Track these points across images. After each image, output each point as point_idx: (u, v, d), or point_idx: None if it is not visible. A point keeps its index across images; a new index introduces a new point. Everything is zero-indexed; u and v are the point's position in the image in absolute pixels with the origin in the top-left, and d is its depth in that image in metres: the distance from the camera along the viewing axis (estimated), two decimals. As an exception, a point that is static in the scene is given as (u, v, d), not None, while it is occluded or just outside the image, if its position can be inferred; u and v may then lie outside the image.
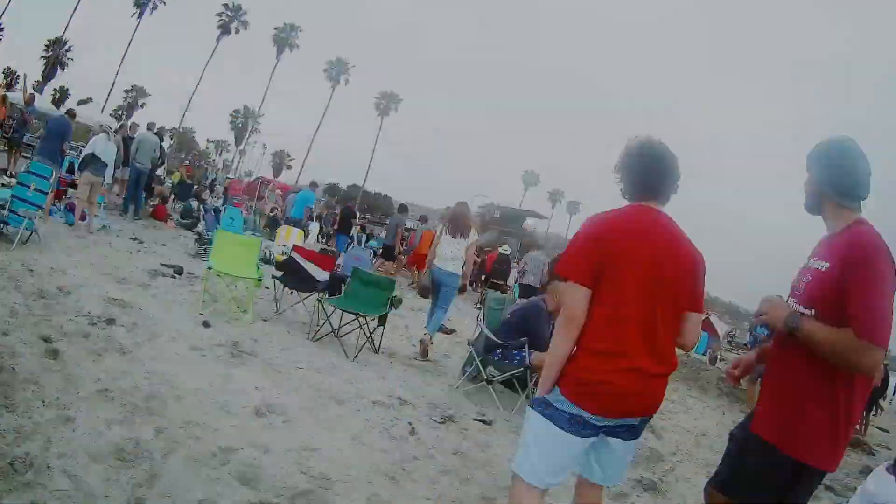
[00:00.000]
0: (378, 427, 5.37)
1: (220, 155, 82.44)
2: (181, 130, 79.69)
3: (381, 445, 4.99)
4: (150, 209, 16.93)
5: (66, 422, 3.84)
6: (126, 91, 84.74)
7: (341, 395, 5.95)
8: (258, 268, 8.84)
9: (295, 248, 11.41)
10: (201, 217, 17.30)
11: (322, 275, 9.15)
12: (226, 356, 6.20)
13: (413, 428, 5.55)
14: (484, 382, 7.33)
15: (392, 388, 6.68)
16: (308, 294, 9.04)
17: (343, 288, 8.68)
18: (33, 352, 4.79)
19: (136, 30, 73.03)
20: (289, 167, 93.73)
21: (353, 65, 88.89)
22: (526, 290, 15.30)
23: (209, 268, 7.99)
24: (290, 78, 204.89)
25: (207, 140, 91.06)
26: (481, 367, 7.40)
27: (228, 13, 79.97)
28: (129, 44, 73.17)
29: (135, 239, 11.95)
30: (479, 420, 6.39)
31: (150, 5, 73.94)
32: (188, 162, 36.97)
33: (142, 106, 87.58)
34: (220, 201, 24.20)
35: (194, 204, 18.48)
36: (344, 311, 8.07)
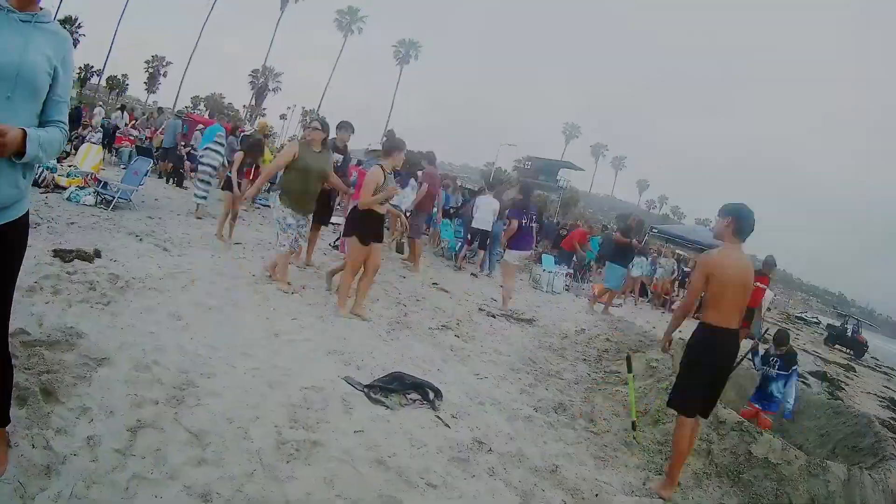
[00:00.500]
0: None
1: (255, 119, 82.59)
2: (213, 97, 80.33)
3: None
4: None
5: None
6: (147, 62, 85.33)
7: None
8: None
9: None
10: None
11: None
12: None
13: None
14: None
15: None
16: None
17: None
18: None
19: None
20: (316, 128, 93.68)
21: (365, 14, 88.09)
22: (478, 234, 14.79)
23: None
24: (317, 34, 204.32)
25: (244, 106, 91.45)
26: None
27: None
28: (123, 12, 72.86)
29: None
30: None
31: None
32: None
33: (164, 76, 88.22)
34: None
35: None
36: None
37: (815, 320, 55.20)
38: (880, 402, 16.07)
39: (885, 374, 26.25)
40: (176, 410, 3.68)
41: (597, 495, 4.41)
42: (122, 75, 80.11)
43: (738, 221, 4.82)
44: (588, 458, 5.07)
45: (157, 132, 21.73)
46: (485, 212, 14.36)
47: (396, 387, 5.03)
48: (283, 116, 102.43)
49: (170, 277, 6.57)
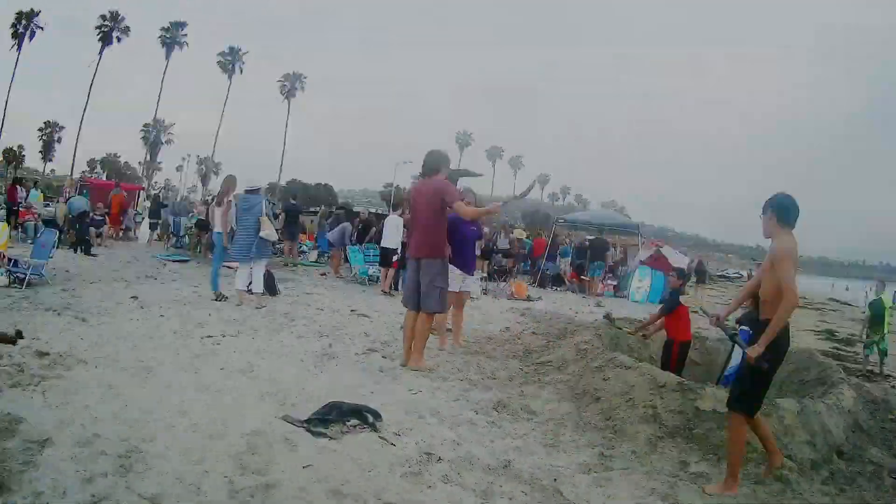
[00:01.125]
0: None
1: (152, 174, 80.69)
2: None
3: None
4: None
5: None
6: (40, 129, 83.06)
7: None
8: None
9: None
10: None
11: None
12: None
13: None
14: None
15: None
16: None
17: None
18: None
19: (17, 61, 70.62)
20: (215, 172, 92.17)
21: (246, 51, 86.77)
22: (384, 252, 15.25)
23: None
24: (202, 81, 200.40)
25: (139, 163, 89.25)
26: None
27: (107, 23, 77.14)
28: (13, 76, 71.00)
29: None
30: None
31: (28, 33, 71.03)
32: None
33: (59, 141, 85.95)
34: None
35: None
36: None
37: (737, 275, 56.65)
38: (817, 335, 16.95)
39: (818, 309, 27.18)
40: (126, 479, 3.62)
41: (555, 479, 4.52)
42: (18, 146, 77.68)
43: (781, 212, 4.67)
44: (538, 447, 5.17)
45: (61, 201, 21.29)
46: (390, 230, 14.86)
47: (335, 416, 5.05)
48: (179, 168, 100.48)
49: (94, 348, 6.47)
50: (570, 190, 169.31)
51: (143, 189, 29.02)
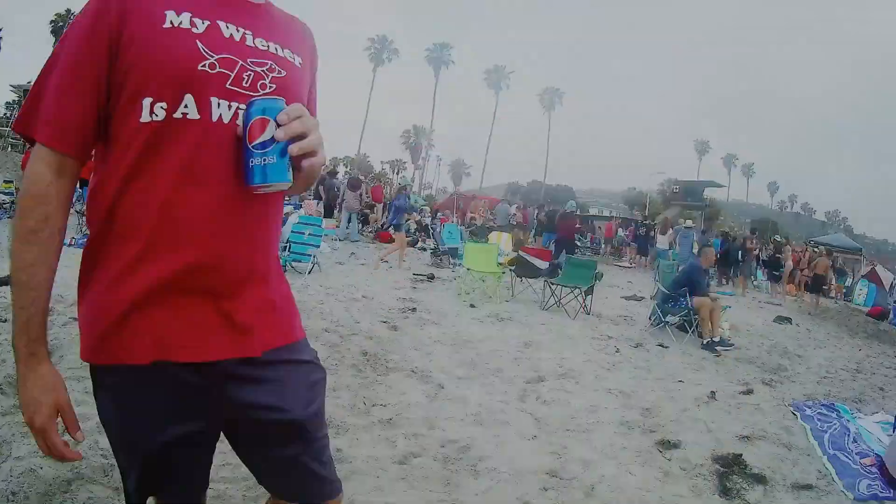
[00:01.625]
0: (597, 348, 7.90)
1: (396, 174, 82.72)
2: (358, 156, 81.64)
3: (599, 357, 7.41)
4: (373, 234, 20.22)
5: (427, 356, 6.36)
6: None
7: (574, 336, 8.46)
8: (498, 265, 11.60)
9: (522, 248, 14.43)
10: (430, 234, 19.85)
11: (543, 264, 12.24)
12: (494, 321, 8.75)
13: (617, 349, 8.00)
14: (663, 324, 9.39)
15: (602, 332, 9.01)
16: (534, 278, 11.74)
17: (559, 271, 11.65)
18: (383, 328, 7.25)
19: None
20: (467, 174, 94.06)
21: (511, 70, 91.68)
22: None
23: (467, 268, 10.93)
24: (453, 93, 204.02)
25: (381, 162, 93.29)
26: (660, 314, 9.42)
27: (376, 46, 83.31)
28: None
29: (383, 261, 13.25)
30: (659, 346, 8.54)
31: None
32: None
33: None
34: (429, 219, 25.01)
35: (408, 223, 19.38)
36: (563, 286, 10.45)
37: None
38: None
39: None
40: None
41: None
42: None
43: None
44: None
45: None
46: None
47: None
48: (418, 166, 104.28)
49: None
50: (797, 198, 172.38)
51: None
